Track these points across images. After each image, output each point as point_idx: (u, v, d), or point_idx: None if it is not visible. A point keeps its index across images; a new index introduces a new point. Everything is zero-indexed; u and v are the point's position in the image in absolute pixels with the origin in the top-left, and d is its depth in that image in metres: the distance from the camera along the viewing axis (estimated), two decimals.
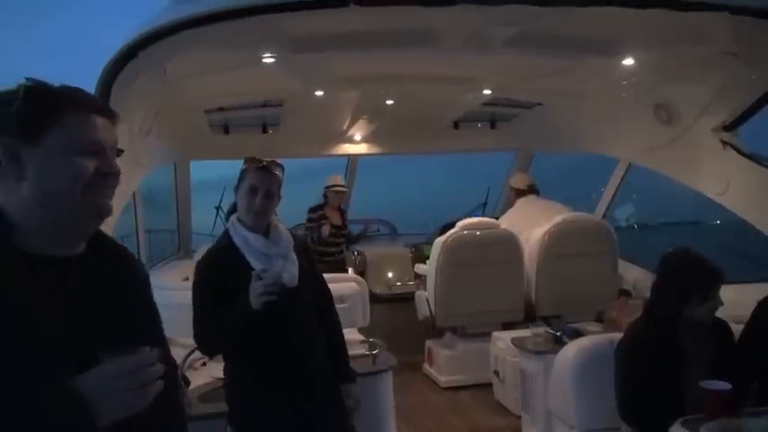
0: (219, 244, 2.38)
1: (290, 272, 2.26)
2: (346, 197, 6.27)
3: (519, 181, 5.79)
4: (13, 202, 1.10)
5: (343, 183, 6.05)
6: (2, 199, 1.11)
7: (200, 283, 2.31)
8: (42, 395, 0.98)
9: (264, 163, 2.31)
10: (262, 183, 2.28)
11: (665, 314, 2.40)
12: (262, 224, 2.32)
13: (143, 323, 1.27)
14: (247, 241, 2.29)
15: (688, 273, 2.39)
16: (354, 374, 2.48)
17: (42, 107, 1.10)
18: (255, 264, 2.24)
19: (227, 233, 2.36)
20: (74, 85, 1.17)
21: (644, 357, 2.37)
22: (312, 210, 5.89)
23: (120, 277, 1.25)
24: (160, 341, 1.31)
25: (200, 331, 2.26)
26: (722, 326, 2.51)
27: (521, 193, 5.66)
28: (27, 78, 1.11)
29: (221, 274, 2.26)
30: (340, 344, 2.49)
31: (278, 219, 2.43)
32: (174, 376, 1.37)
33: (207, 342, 2.32)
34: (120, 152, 3.44)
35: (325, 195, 5.91)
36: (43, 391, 0.98)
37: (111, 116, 1.19)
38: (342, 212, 6.09)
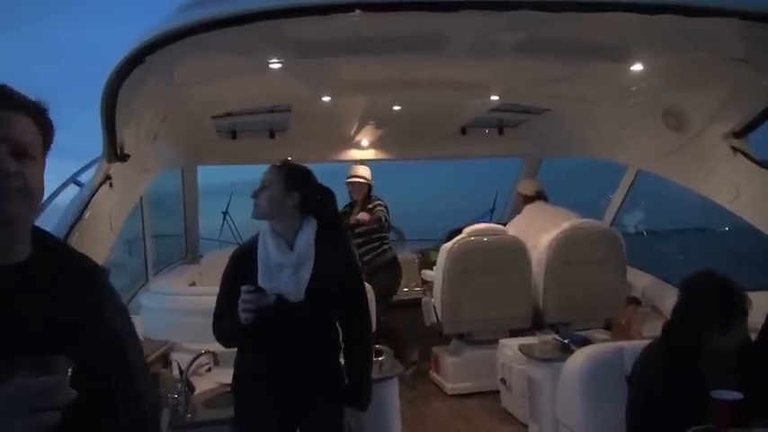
0: (249, 242, 2.40)
1: (293, 286, 2.23)
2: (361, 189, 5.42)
3: (527, 187, 5.77)
4: None
5: (363, 173, 5.39)
6: None
7: (223, 278, 2.35)
8: None
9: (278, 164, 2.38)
10: (261, 181, 2.34)
11: (682, 343, 2.26)
12: (278, 225, 2.31)
13: (94, 334, 1.09)
14: (266, 248, 2.29)
15: (709, 300, 2.21)
16: (363, 401, 2.38)
17: None
18: (260, 273, 2.24)
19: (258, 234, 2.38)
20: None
21: (660, 385, 2.25)
22: (345, 207, 5.43)
23: (70, 284, 1.11)
24: (112, 353, 1.12)
25: (214, 324, 2.31)
26: (747, 346, 2.32)
27: (528, 200, 5.64)
28: None
29: (237, 274, 2.28)
30: (358, 358, 2.41)
31: (312, 220, 2.35)
32: (135, 394, 1.17)
33: (218, 336, 2.34)
34: (126, 157, 3.45)
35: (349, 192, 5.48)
36: None
37: (7, 107, 1.06)
38: (371, 207, 5.30)
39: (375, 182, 5.59)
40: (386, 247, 5.40)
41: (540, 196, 5.66)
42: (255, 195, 2.32)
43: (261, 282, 2.20)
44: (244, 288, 2.11)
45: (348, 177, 5.43)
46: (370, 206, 5.32)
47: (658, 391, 2.25)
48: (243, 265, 2.30)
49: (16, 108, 1.06)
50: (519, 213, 5.70)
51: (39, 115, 1.10)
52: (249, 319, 2.09)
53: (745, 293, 2.24)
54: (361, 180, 5.37)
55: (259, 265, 2.26)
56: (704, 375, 2.22)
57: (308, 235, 2.30)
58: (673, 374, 2.25)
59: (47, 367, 0.89)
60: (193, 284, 5.05)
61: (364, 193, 5.39)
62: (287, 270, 2.24)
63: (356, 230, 5.24)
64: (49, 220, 2.92)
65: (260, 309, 2.09)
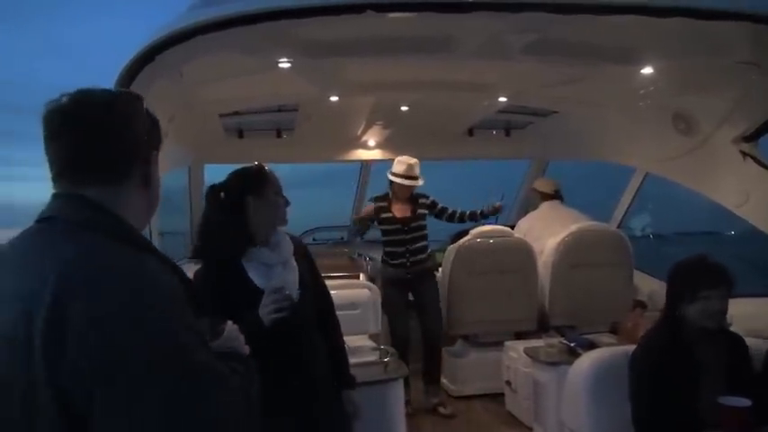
0: (205, 265, 2.27)
1: (290, 281, 2.23)
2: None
3: (545, 185, 5.70)
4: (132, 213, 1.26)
5: (414, 173, 4.70)
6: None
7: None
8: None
9: None
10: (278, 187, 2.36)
11: (665, 315, 2.41)
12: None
13: None
14: (249, 252, 2.23)
15: (682, 270, 2.42)
16: (353, 381, 2.45)
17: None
18: (254, 275, 2.20)
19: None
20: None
21: (656, 368, 2.34)
22: (375, 199, 4.93)
23: None
24: None
25: None
26: (736, 339, 2.46)
27: (547, 197, 5.55)
28: None
29: (219, 286, 2.17)
30: (340, 349, 2.45)
31: None
32: None
33: None
34: None
35: (390, 183, 4.84)
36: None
37: None
38: (416, 203, 4.80)
39: (381, 183, 5.33)
40: (429, 251, 5.00)
41: (557, 195, 5.59)
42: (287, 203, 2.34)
43: (259, 282, 2.18)
44: (269, 289, 2.11)
45: (400, 177, 4.71)
46: (425, 201, 4.88)
47: (655, 376, 2.34)
48: (219, 277, 2.20)
49: None
50: (535, 210, 5.61)
51: None
52: (271, 321, 2.07)
53: (724, 269, 2.35)
54: (417, 184, 4.77)
55: (250, 268, 2.21)
56: (698, 360, 2.34)
57: (282, 232, 2.32)
58: (666, 357, 2.35)
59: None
60: None
61: (410, 192, 4.81)
62: (276, 268, 2.24)
63: (411, 225, 4.77)
64: None
65: (285, 307, 2.09)
